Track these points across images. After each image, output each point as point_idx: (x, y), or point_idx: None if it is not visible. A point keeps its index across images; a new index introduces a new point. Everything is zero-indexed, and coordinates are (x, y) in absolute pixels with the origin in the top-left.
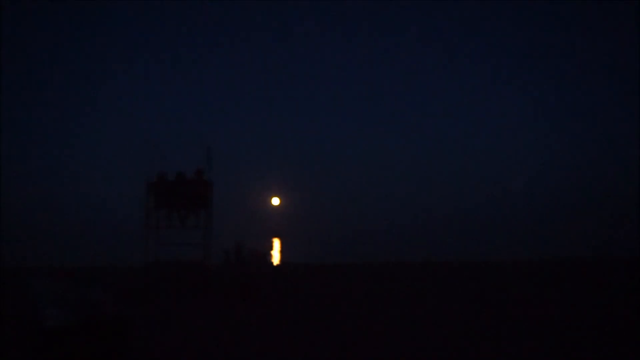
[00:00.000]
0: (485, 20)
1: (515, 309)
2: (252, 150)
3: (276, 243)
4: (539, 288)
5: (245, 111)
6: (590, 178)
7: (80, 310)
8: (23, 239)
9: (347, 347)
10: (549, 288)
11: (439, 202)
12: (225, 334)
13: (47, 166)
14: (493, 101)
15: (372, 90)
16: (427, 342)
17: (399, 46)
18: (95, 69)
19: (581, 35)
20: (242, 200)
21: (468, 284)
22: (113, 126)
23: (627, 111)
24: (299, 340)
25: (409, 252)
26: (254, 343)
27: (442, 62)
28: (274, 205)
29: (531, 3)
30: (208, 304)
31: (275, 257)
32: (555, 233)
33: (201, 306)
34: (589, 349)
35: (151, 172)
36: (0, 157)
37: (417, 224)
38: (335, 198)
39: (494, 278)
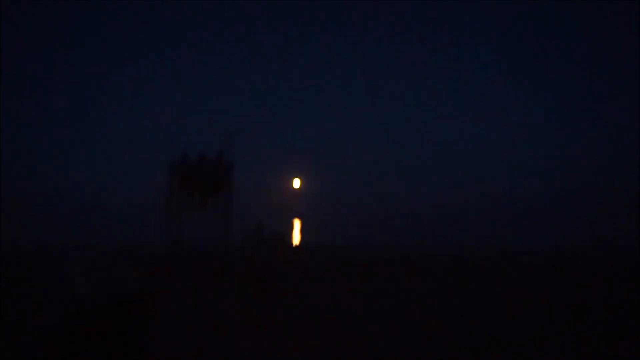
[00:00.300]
0: (489, 21)
1: (517, 302)
2: (274, 132)
3: (297, 224)
4: (541, 281)
5: (268, 94)
6: (592, 174)
7: (108, 284)
8: (53, 220)
9: (353, 339)
10: (550, 281)
11: (456, 192)
12: (239, 320)
13: (74, 150)
14: (505, 95)
15: (400, 72)
16: (430, 335)
17: (429, 30)
18: (118, 51)
19: (584, 36)
20: (264, 182)
21: (474, 277)
22: (137, 108)
23: (630, 108)
24: (307, 331)
25: (427, 240)
26: (264, 331)
27: (461, 62)
28: (295, 188)
29: (534, 3)
30: (227, 287)
31: (296, 238)
32: (556, 227)
33: (220, 289)
34: (588, 344)
35: (174, 155)
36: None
37: (436, 212)
38: (357, 181)
39: (500, 270)
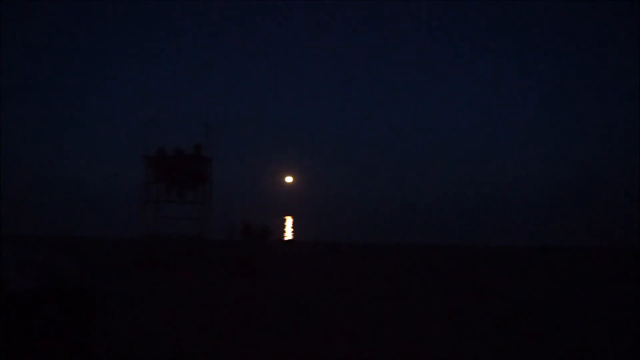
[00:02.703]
0: (492, 18)
1: (515, 299)
2: (266, 128)
3: (288, 220)
4: (540, 276)
5: (262, 89)
6: (593, 168)
7: (43, 277)
8: (23, 209)
9: (337, 334)
10: (550, 277)
11: (450, 186)
12: (208, 313)
13: (47, 140)
14: (505, 93)
15: (388, 66)
16: (423, 332)
17: (414, 25)
18: (95, 46)
19: (586, 34)
20: (256, 178)
21: (471, 270)
22: (115, 101)
23: (631, 105)
24: (289, 324)
25: (420, 234)
26: (239, 324)
27: (455, 56)
28: (287, 183)
29: (535, 3)
30: (203, 280)
31: (285, 234)
32: (557, 221)
33: (195, 282)
34: (589, 342)
35: (152, 148)
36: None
37: (430, 206)
38: (351, 177)
39: (495, 264)
